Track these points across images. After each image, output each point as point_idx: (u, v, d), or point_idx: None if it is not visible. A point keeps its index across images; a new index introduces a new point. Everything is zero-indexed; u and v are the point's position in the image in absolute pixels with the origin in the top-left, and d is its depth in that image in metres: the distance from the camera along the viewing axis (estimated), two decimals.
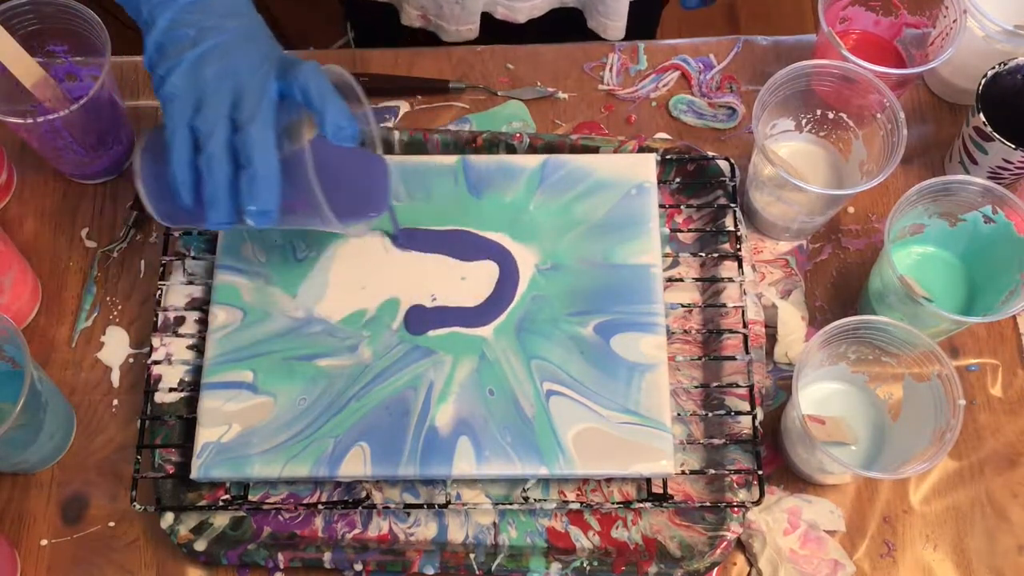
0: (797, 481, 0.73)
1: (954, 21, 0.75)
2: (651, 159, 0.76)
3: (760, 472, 0.69)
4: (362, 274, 0.73)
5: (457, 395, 0.69)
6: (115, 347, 0.77)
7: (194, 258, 0.75)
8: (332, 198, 0.61)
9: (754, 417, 0.70)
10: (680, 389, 0.74)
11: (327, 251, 0.73)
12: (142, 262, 0.79)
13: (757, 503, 0.68)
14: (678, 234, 0.78)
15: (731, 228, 0.76)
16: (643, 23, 0.94)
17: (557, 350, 0.70)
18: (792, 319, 0.76)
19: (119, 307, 0.78)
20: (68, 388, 0.76)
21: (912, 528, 0.72)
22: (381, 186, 0.70)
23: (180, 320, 0.75)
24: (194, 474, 0.67)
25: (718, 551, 0.68)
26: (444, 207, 0.75)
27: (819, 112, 0.78)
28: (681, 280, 0.76)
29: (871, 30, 0.83)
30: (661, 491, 0.69)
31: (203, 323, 0.73)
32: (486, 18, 0.90)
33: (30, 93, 0.73)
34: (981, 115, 0.73)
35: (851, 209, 0.81)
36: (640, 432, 0.68)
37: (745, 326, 0.73)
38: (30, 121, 0.70)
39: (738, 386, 0.72)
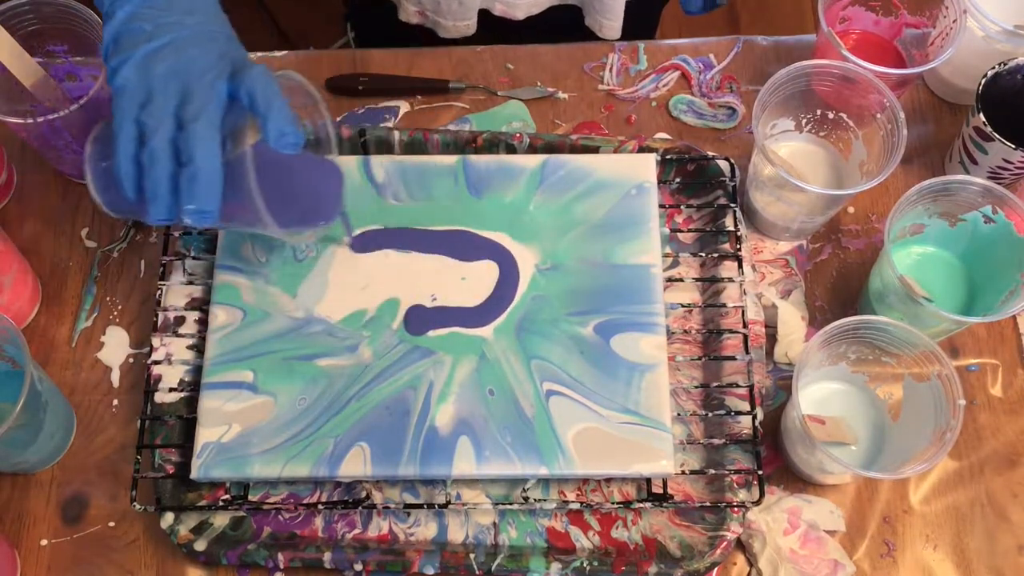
0: (797, 481, 0.73)
1: (954, 21, 0.75)
2: (651, 159, 0.76)
3: (760, 472, 0.69)
4: (362, 274, 0.73)
5: (457, 395, 0.69)
6: (115, 347, 0.77)
7: (194, 258, 0.75)
8: (278, 204, 0.61)
9: (754, 417, 0.70)
10: (680, 389, 0.74)
11: (327, 251, 0.73)
12: (142, 262, 0.79)
13: (757, 503, 0.68)
14: (678, 234, 0.78)
15: (731, 228, 0.76)
16: (642, 23, 0.94)
17: (557, 350, 0.70)
18: (792, 319, 0.76)
19: (119, 307, 0.78)
20: (68, 388, 0.76)
21: (912, 528, 0.72)
22: (333, 194, 0.69)
23: (180, 320, 0.75)
24: (194, 474, 0.67)
25: (718, 551, 0.68)
26: (444, 207, 0.75)
27: (819, 112, 0.78)
28: (681, 280, 0.76)
29: (871, 30, 0.83)
30: (661, 491, 0.69)
31: (203, 323, 0.73)
32: (484, 15, 0.90)
33: (30, 93, 0.73)
34: (981, 115, 0.73)
35: (851, 209, 0.81)
36: (640, 432, 0.68)
37: (745, 326, 0.73)
38: (30, 121, 0.70)
39: (738, 386, 0.72)
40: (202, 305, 0.74)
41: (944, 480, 0.73)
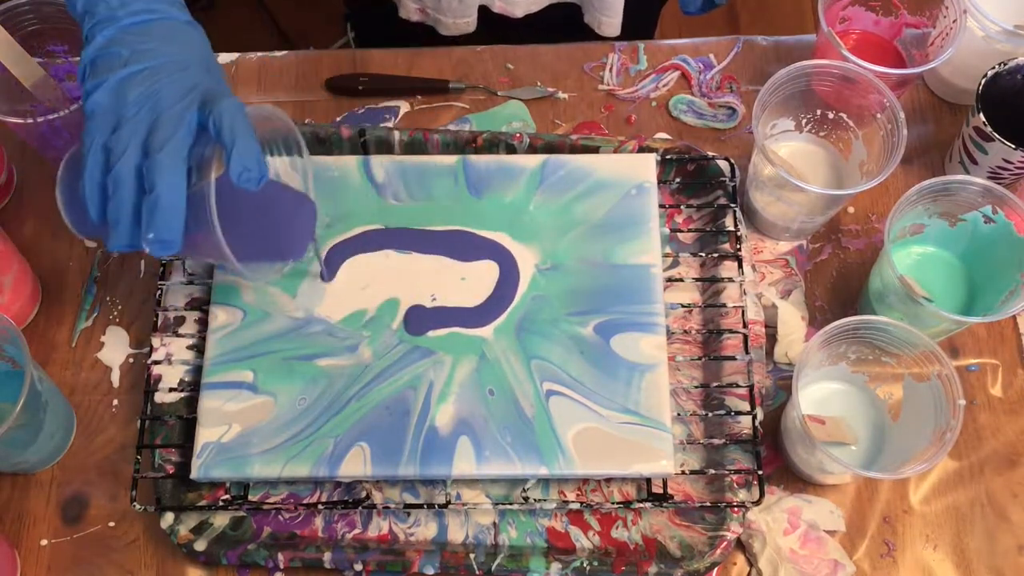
0: (797, 481, 0.73)
1: (954, 21, 0.75)
2: (651, 159, 0.76)
3: (760, 472, 0.69)
4: (362, 274, 0.73)
5: (457, 395, 0.69)
6: (115, 347, 0.77)
7: None
8: (243, 238, 0.60)
9: (754, 417, 0.70)
10: (680, 389, 0.74)
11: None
12: (142, 262, 0.79)
13: (757, 503, 0.68)
14: (678, 234, 0.78)
15: (731, 228, 0.76)
16: (641, 21, 0.94)
17: (557, 350, 0.70)
18: (792, 319, 0.76)
19: (119, 307, 0.78)
20: (68, 388, 0.76)
21: (912, 528, 0.72)
22: (304, 230, 0.68)
23: (180, 320, 0.75)
24: (194, 474, 0.67)
25: (718, 551, 0.68)
26: (444, 207, 0.75)
27: (819, 112, 0.78)
28: (681, 280, 0.76)
29: (871, 30, 0.83)
30: (661, 491, 0.69)
31: (203, 323, 0.73)
32: (484, 12, 0.90)
33: (30, 93, 0.73)
34: (981, 115, 0.73)
35: (851, 209, 0.81)
36: (640, 432, 0.68)
37: (745, 326, 0.73)
38: (30, 121, 0.71)
39: (738, 386, 0.72)
40: (202, 305, 0.74)
41: (944, 480, 0.73)
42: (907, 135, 0.70)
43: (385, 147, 0.78)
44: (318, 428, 0.68)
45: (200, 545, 0.68)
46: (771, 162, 0.70)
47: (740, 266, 0.74)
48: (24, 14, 0.74)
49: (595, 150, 0.78)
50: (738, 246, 0.75)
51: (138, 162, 0.56)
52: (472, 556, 0.68)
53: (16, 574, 0.71)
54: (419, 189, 0.75)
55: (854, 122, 0.76)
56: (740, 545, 0.71)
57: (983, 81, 0.74)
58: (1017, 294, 0.68)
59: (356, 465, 0.67)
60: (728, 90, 0.86)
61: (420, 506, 0.69)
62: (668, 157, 0.78)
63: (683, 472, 0.69)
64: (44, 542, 0.72)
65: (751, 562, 0.71)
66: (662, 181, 0.79)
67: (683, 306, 0.75)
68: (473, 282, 0.72)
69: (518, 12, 0.89)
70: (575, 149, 0.78)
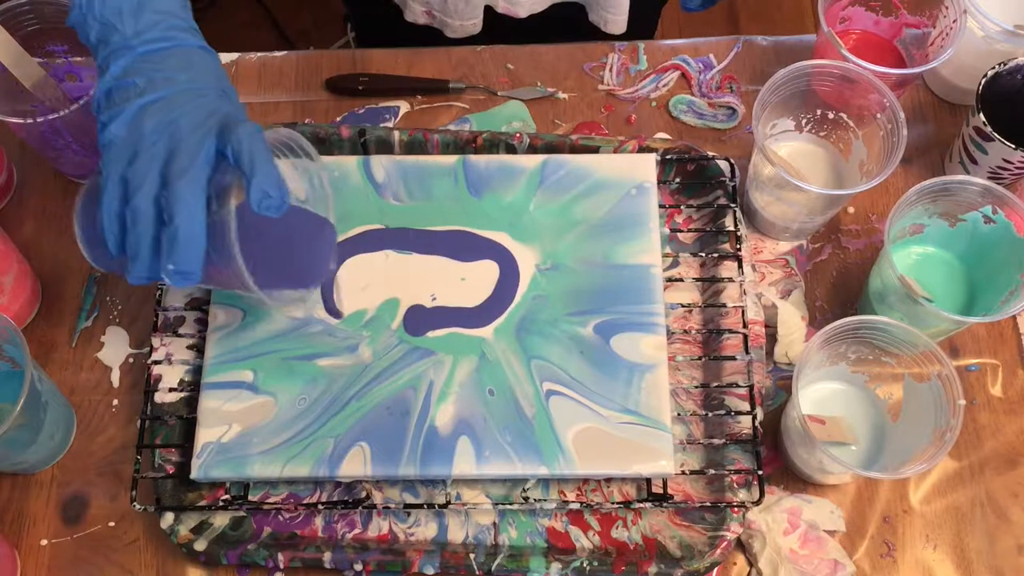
0: (797, 481, 0.73)
1: (954, 21, 0.75)
2: (651, 159, 0.76)
3: (760, 472, 0.69)
4: (362, 274, 0.73)
5: (457, 395, 0.69)
6: (115, 347, 0.77)
7: None
8: (264, 265, 0.59)
9: (754, 417, 0.70)
10: (680, 389, 0.74)
11: None
12: None
13: (757, 503, 0.68)
14: (678, 234, 0.78)
15: (731, 228, 0.76)
16: (644, 19, 0.94)
17: (557, 350, 0.70)
18: (792, 319, 0.76)
19: (119, 307, 0.78)
20: (68, 388, 0.76)
21: (912, 528, 0.72)
22: (325, 254, 0.67)
23: (180, 320, 0.75)
24: (194, 474, 0.67)
25: (718, 551, 0.68)
26: (444, 207, 0.75)
27: (819, 112, 0.78)
28: (681, 280, 0.76)
29: (871, 30, 0.83)
30: (661, 491, 0.69)
31: (203, 323, 0.73)
32: (488, 13, 0.90)
33: (30, 93, 0.73)
34: (981, 115, 0.73)
35: (851, 209, 0.81)
36: (640, 432, 0.68)
37: (745, 326, 0.73)
38: (30, 121, 0.70)
39: (738, 386, 0.72)
40: (202, 305, 0.74)
41: (944, 480, 0.73)
42: (907, 135, 0.70)
43: (385, 147, 0.78)
44: (318, 428, 0.68)
45: (200, 545, 0.68)
46: (771, 162, 0.70)
47: (740, 266, 0.74)
48: (24, 14, 0.74)
49: (595, 150, 0.78)
50: (738, 246, 0.75)
51: (156, 193, 0.55)
52: (472, 556, 0.68)
53: (16, 574, 0.71)
54: (419, 189, 0.75)
55: (854, 122, 0.76)
56: (740, 545, 0.71)
57: (983, 81, 0.74)
58: (1017, 294, 0.68)
59: (356, 465, 0.67)
60: (728, 90, 0.86)
61: (420, 506, 0.69)
62: (668, 157, 0.78)
63: (683, 472, 0.69)
64: (44, 542, 0.72)
65: (751, 562, 0.71)
66: (662, 181, 0.79)
67: (683, 306, 0.75)
68: (473, 282, 0.72)
69: (522, 12, 0.89)
70: (575, 149, 0.78)
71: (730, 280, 0.74)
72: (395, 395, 0.69)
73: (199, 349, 0.73)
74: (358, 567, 0.68)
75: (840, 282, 0.79)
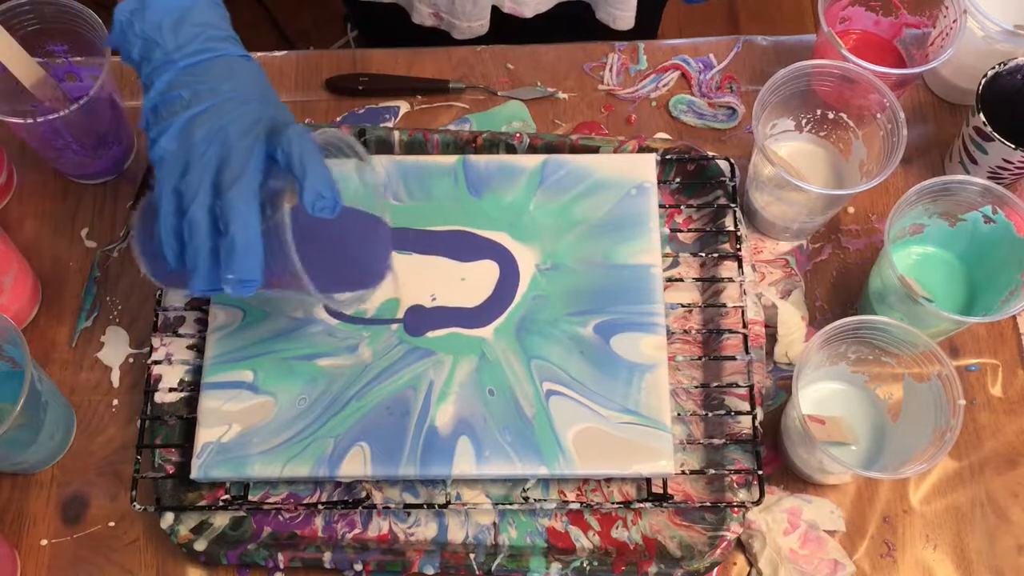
0: (797, 481, 0.73)
1: (954, 21, 0.75)
2: (651, 159, 0.76)
3: (760, 472, 0.69)
4: None
5: (457, 395, 0.69)
6: (115, 347, 0.77)
7: None
8: (323, 268, 0.59)
9: (754, 417, 0.70)
10: (680, 389, 0.74)
11: None
12: None
13: (757, 503, 0.68)
14: (678, 234, 0.78)
15: (731, 228, 0.76)
16: (648, 16, 0.93)
17: (557, 350, 0.70)
18: (792, 319, 0.76)
19: (119, 307, 0.78)
20: (68, 388, 0.76)
21: (912, 528, 0.72)
22: (382, 253, 0.66)
23: (180, 320, 0.74)
24: (194, 474, 0.67)
25: (718, 551, 0.68)
26: (444, 207, 0.75)
27: (819, 112, 0.78)
28: (681, 280, 0.76)
29: (871, 30, 0.83)
30: (661, 491, 0.69)
31: (203, 323, 0.73)
32: (494, 14, 0.90)
33: (30, 93, 0.73)
34: (981, 115, 0.73)
35: (851, 209, 0.81)
36: (640, 432, 0.68)
37: (745, 326, 0.73)
38: (30, 121, 0.70)
39: (738, 386, 0.72)
40: (202, 305, 0.74)
41: (944, 480, 0.73)
42: (907, 135, 0.70)
43: (385, 147, 0.78)
44: (318, 428, 0.68)
45: (200, 545, 0.68)
46: (771, 162, 0.70)
47: (740, 266, 0.74)
48: (24, 14, 0.74)
49: (595, 150, 0.78)
50: (738, 246, 0.75)
51: (210, 203, 0.55)
52: (472, 556, 0.68)
53: (16, 574, 0.71)
54: (419, 189, 0.75)
55: (854, 122, 0.76)
56: (740, 545, 0.71)
57: (983, 81, 0.74)
58: (1017, 294, 0.68)
59: (356, 465, 0.67)
60: (728, 90, 0.86)
61: (420, 506, 0.69)
62: (668, 157, 0.78)
63: (683, 472, 0.69)
64: (44, 542, 0.72)
65: (751, 562, 0.71)
66: (662, 181, 0.79)
67: (683, 306, 0.75)
68: (473, 282, 0.72)
69: (528, 12, 0.89)
70: (575, 149, 0.78)
71: (730, 280, 0.74)
72: (395, 395, 0.69)
73: (199, 349, 0.73)
74: (358, 567, 0.68)
75: (840, 282, 0.79)
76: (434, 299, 0.72)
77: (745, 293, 0.74)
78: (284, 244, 0.56)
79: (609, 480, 0.72)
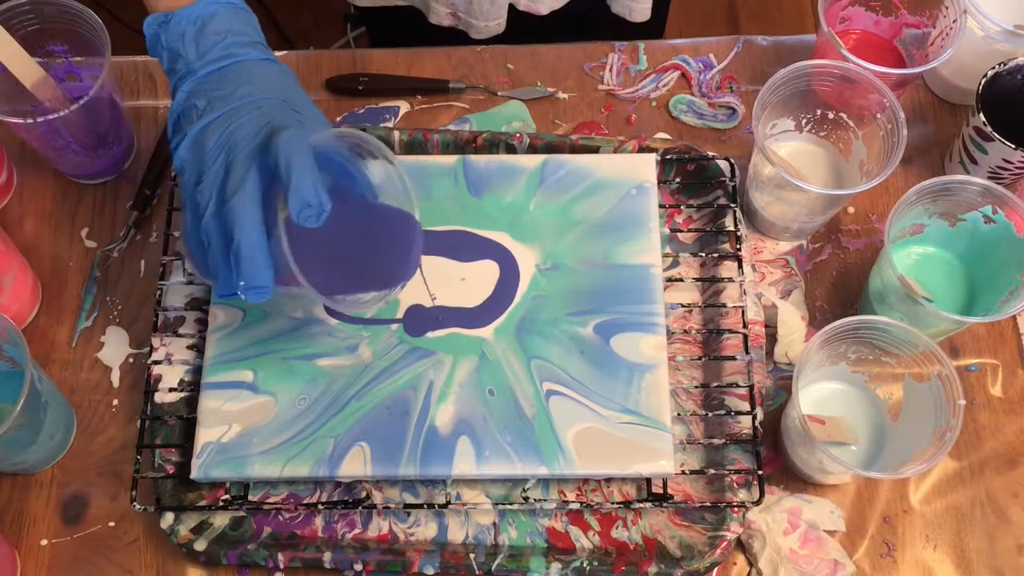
0: (797, 481, 0.73)
1: (954, 21, 0.75)
2: (651, 159, 0.76)
3: (760, 472, 0.69)
4: None
5: (457, 395, 0.69)
6: (115, 347, 0.77)
7: None
8: (342, 270, 0.58)
9: (754, 417, 0.70)
10: (680, 389, 0.74)
11: None
12: (142, 262, 0.79)
13: (757, 503, 0.68)
14: (678, 234, 0.78)
15: (731, 228, 0.76)
16: (659, 7, 0.93)
17: (557, 350, 0.70)
18: (792, 319, 0.76)
19: (119, 307, 0.78)
20: (68, 388, 0.76)
21: (912, 528, 0.72)
22: (406, 254, 0.63)
23: (180, 320, 0.74)
24: (194, 474, 0.67)
25: (718, 551, 0.68)
26: (444, 207, 0.75)
27: (819, 112, 0.78)
28: (681, 280, 0.76)
29: (871, 30, 0.83)
30: (661, 491, 0.69)
31: (203, 323, 0.73)
32: (510, 11, 0.89)
33: (30, 93, 0.73)
34: (981, 115, 0.73)
35: (851, 209, 0.81)
36: (640, 432, 0.68)
37: (745, 326, 0.73)
38: (30, 121, 0.70)
39: (738, 386, 0.72)
40: (202, 305, 0.74)
41: (944, 480, 0.73)
42: (907, 135, 0.70)
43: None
44: (318, 428, 0.68)
45: (200, 545, 0.68)
46: (771, 162, 0.70)
47: (740, 266, 0.74)
48: (24, 14, 0.74)
49: (595, 150, 0.78)
50: (738, 246, 0.75)
51: (218, 211, 0.56)
52: (472, 556, 0.68)
53: (16, 574, 0.71)
54: (419, 189, 0.75)
55: (854, 122, 0.76)
56: (740, 545, 0.71)
57: (983, 81, 0.74)
58: (1017, 294, 0.68)
59: (356, 465, 0.67)
60: (728, 90, 0.86)
61: (420, 506, 0.69)
62: (668, 157, 0.78)
63: (683, 472, 0.69)
64: (44, 542, 0.72)
65: (751, 562, 0.71)
66: (662, 181, 0.79)
67: (683, 306, 0.75)
68: (473, 282, 0.72)
69: (543, 10, 0.89)
70: (575, 149, 0.78)
71: (730, 280, 0.74)
72: (395, 395, 0.69)
73: (199, 349, 0.73)
74: (358, 567, 0.68)
75: (840, 282, 0.79)
76: (434, 299, 0.72)
77: (745, 293, 0.74)
78: (281, 251, 0.55)
79: (609, 480, 0.72)
